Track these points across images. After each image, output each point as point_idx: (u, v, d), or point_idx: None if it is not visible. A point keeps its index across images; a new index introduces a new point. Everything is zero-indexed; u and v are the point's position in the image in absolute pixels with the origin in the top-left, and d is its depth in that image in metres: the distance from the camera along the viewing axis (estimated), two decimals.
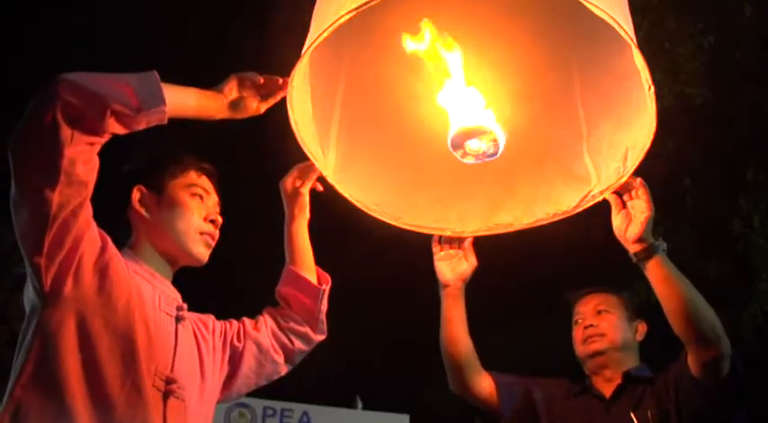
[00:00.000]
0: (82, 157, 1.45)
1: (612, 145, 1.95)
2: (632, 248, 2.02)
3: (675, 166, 6.11)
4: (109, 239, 1.59)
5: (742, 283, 5.89)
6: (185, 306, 1.73)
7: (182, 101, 1.60)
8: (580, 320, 2.38)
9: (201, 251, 1.75)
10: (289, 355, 1.92)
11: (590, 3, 1.49)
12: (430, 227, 2.08)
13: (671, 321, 2.02)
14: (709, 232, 6.14)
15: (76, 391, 1.43)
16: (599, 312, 2.36)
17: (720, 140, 5.97)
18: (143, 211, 1.72)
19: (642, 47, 1.64)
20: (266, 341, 1.88)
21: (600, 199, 1.98)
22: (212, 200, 1.80)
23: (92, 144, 1.47)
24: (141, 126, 1.53)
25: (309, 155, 1.87)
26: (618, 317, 2.35)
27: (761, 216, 5.71)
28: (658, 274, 2.01)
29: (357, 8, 1.52)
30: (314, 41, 1.62)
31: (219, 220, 1.79)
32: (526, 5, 1.95)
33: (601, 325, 2.33)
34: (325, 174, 1.93)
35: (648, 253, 2.00)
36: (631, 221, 1.99)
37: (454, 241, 2.20)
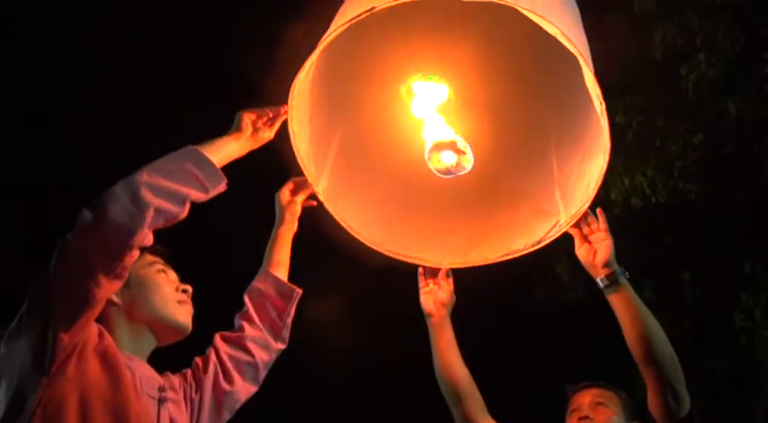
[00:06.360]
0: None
1: (580, 177, 2.08)
2: (600, 273, 2.09)
3: (674, 261, 6.18)
4: (102, 327, 1.63)
5: (747, 377, 5.80)
6: (167, 386, 1.71)
7: (225, 156, 1.74)
8: (576, 411, 2.36)
9: (185, 317, 1.75)
10: (252, 371, 1.88)
11: (537, 15, 1.65)
12: (410, 256, 2.18)
13: (631, 346, 2.09)
14: (711, 327, 6.11)
15: None
16: (597, 405, 2.34)
17: (717, 234, 6.04)
18: (114, 299, 1.67)
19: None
20: (212, 379, 1.82)
21: (566, 229, 2.08)
22: (173, 275, 1.80)
23: None
24: None
25: (303, 167, 2.01)
26: (615, 413, 2.32)
27: (762, 309, 5.69)
28: (624, 298, 2.08)
29: (350, 20, 1.68)
30: (320, 44, 1.79)
31: (190, 288, 1.80)
32: (502, 46, 2.15)
33: (597, 418, 2.30)
34: (316, 190, 2.05)
35: (615, 278, 2.08)
36: (597, 250, 2.10)
37: (436, 273, 2.27)
